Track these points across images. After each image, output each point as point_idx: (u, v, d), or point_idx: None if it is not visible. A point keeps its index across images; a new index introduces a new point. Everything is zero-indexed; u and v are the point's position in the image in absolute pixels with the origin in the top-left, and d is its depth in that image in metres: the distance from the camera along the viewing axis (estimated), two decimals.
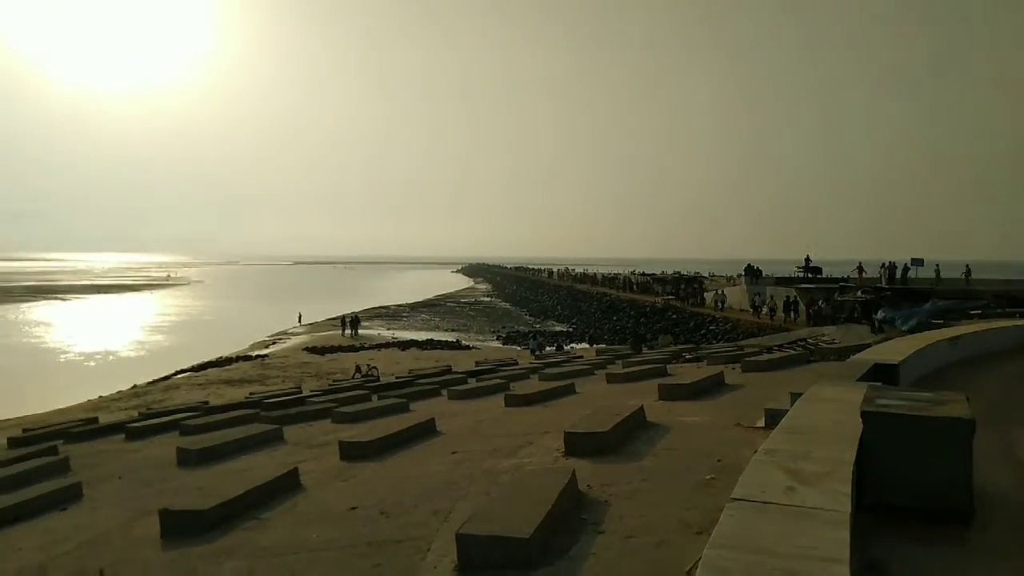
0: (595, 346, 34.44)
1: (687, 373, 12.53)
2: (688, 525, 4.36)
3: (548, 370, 15.35)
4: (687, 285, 54.92)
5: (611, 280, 74.10)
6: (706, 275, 71.55)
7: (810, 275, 43.35)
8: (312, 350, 36.90)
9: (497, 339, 41.25)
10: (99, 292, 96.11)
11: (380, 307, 70.17)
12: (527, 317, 65.88)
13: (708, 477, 5.39)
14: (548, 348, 33.44)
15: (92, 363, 37.69)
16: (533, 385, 13.17)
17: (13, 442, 11.99)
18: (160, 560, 5.10)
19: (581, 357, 21.93)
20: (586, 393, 11.55)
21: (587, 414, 7.71)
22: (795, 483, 3.23)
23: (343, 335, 43.12)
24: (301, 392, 16.77)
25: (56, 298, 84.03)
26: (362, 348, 37.41)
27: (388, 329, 51.28)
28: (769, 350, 16.22)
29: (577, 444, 6.55)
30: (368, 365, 25.62)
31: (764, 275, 44.75)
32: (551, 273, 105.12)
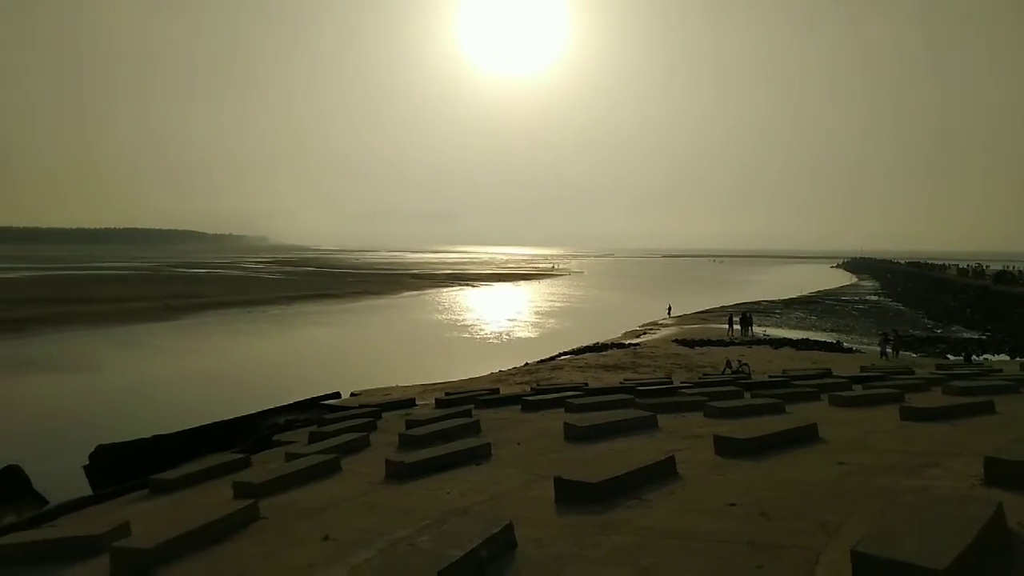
0: (1018, 359, 28.60)
1: None
2: None
3: (956, 383, 13.20)
4: None
5: None
6: None
7: None
8: (681, 342, 37.32)
9: (886, 342, 36.86)
10: (499, 280, 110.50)
11: (750, 302, 67.79)
12: (924, 320, 57.48)
13: None
14: (904, 352, 28.64)
15: (494, 340, 43.53)
16: (935, 398, 11.46)
17: (439, 403, 14.48)
18: (554, 522, 5.67)
19: (1000, 371, 18.44)
20: (1008, 414, 9.67)
21: (1013, 439, 6.47)
22: None
23: (729, 333, 41.34)
24: (672, 383, 17.10)
25: (468, 284, 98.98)
26: (732, 344, 36.62)
27: (759, 326, 49.32)
28: None
29: (1003, 472, 5.54)
30: (739, 361, 25.01)
31: None
32: (965, 270, 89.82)
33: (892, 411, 10.10)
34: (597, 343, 37.38)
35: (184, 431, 14.85)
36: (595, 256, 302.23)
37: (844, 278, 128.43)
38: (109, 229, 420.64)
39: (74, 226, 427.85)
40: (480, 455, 8.45)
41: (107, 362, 35.32)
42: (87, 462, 13.93)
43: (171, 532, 5.62)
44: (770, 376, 17.89)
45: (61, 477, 14.53)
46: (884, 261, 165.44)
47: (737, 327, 41.98)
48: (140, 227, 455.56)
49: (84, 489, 13.03)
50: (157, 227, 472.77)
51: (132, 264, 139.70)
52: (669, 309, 56.66)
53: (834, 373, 18.31)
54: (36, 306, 53.22)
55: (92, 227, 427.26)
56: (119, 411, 23.86)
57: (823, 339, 41.34)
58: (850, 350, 35.97)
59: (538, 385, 19.35)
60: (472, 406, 13.36)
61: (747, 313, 45.21)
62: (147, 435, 14.47)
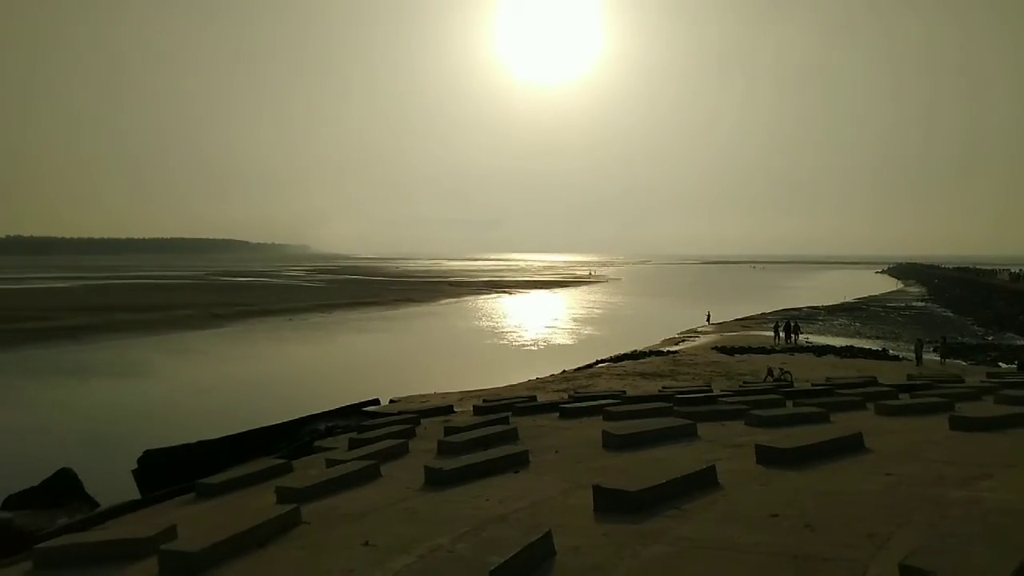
0: None
1: None
2: None
3: (1009, 391, 12.79)
4: None
5: None
6: None
7: None
8: (721, 349, 36.79)
9: (934, 351, 35.79)
10: (535, 287, 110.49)
11: (792, 309, 66.56)
12: (974, 327, 55.77)
13: None
14: (953, 360, 27.68)
15: (531, 347, 43.52)
16: (987, 408, 11.13)
17: (477, 410, 14.52)
18: (593, 530, 5.65)
19: None
20: None
21: None
22: None
23: (776, 341, 40.52)
24: (711, 390, 16.87)
25: (505, 291, 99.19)
26: (773, 351, 36.00)
27: (801, 333, 48.36)
28: None
29: None
30: (780, 369, 24.57)
31: None
32: (1018, 275, 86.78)
33: (941, 421, 9.83)
34: (635, 350, 37.08)
35: (228, 436, 15.17)
36: (632, 263, 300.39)
37: (889, 284, 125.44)
38: (157, 239, 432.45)
39: (123, 236, 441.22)
40: (518, 462, 8.45)
41: (155, 368, 36.24)
42: (136, 466, 14.32)
43: (217, 536, 5.73)
44: (813, 384, 17.54)
45: (111, 480, 14.95)
46: (931, 266, 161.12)
47: (783, 334, 41.12)
48: (186, 237, 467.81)
49: (133, 492, 13.39)
50: (203, 236, 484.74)
51: (179, 273, 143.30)
52: (708, 316, 55.96)
53: (880, 381, 17.87)
54: (89, 314, 54.91)
55: (140, 237, 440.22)
56: (166, 416, 24.45)
57: (868, 346, 40.34)
58: (896, 358, 35.04)
59: (576, 393, 19.28)
60: (510, 413, 13.37)
61: (792, 321, 44.28)
62: (193, 440, 14.82)
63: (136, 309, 59.59)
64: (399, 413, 15.83)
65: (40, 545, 6.82)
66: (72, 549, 6.45)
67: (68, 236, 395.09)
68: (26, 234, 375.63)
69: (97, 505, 13.41)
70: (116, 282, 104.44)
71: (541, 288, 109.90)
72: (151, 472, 13.95)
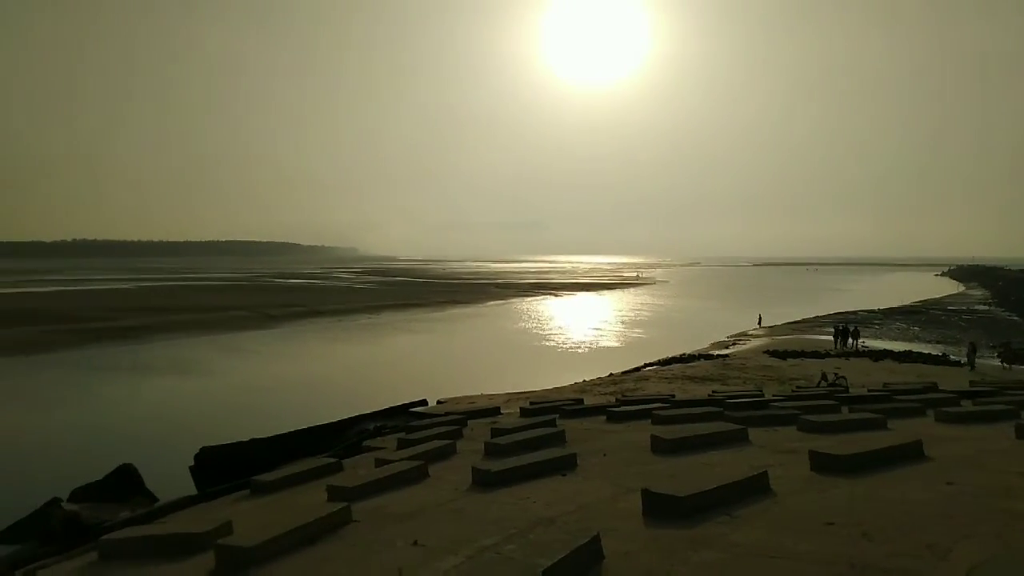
0: None
1: None
2: None
3: None
4: None
5: None
6: None
7: None
8: (773, 353, 36.02)
9: (997, 356, 34.40)
10: (582, 290, 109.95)
11: (847, 312, 64.82)
12: None
13: None
14: (1020, 366, 26.34)
15: (577, 350, 43.35)
16: None
17: (524, 412, 14.53)
18: (642, 535, 5.59)
19: None
20: None
21: None
22: None
23: (836, 346, 39.38)
24: (763, 395, 16.54)
25: (550, 294, 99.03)
26: (827, 355, 35.10)
27: (860, 338, 47.01)
28: None
29: None
30: (835, 373, 23.91)
31: None
32: None
33: (1007, 429, 9.46)
34: (684, 354, 36.60)
35: (280, 435, 15.49)
36: (681, 264, 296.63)
37: (950, 286, 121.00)
38: (212, 242, 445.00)
39: (181, 239, 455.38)
40: (566, 465, 8.43)
41: (211, 367, 37.25)
42: (192, 463, 14.75)
43: (270, 532, 5.87)
44: (870, 390, 17.05)
45: (169, 476, 15.43)
46: (994, 268, 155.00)
47: (842, 340, 39.85)
48: (240, 239, 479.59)
49: (189, 488, 13.80)
50: (256, 239, 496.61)
51: (233, 275, 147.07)
52: (759, 319, 54.87)
53: (941, 387, 17.29)
54: (148, 315, 56.81)
55: (197, 239, 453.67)
56: (221, 414, 25.12)
57: (928, 351, 38.99)
58: (958, 363, 33.78)
59: (623, 396, 19.13)
60: (557, 416, 13.34)
61: (850, 325, 42.91)
62: (246, 438, 15.18)
63: (192, 310, 61.37)
64: (446, 414, 15.94)
65: (105, 537, 7.09)
66: (134, 542, 6.68)
67: (128, 239, 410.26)
68: (90, 237, 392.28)
69: (156, 500, 13.85)
70: (173, 284, 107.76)
71: (587, 290, 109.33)
72: (207, 468, 14.35)
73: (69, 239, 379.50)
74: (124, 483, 14.42)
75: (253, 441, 14.99)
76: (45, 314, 54.68)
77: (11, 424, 24.58)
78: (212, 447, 14.80)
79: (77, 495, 13.97)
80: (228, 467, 13.65)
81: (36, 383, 32.24)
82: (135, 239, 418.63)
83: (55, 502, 13.14)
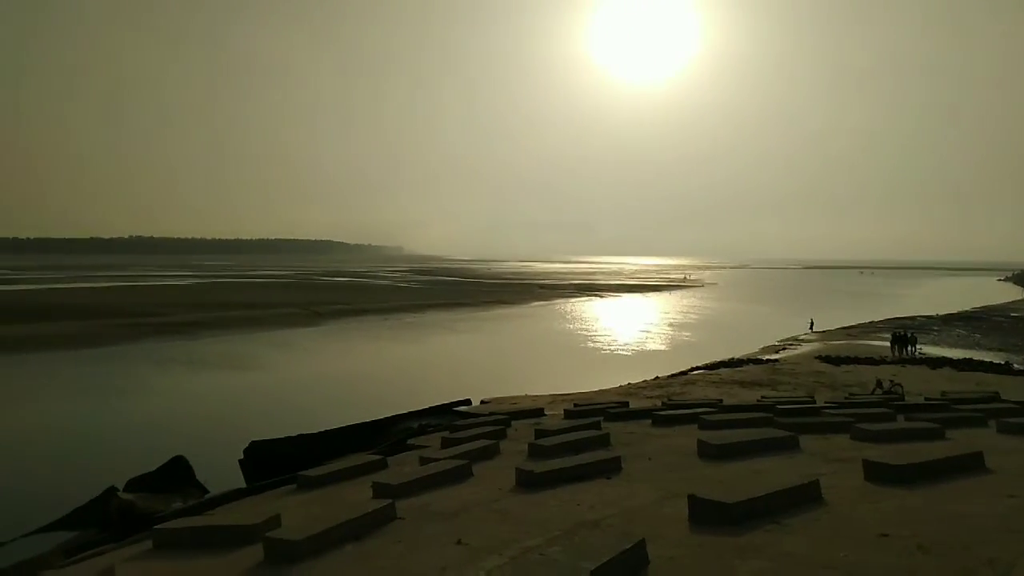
0: None
1: None
2: None
3: None
4: None
5: None
6: None
7: None
8: (825, 359, 35.16)
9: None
10: (629, 291, 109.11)
11: (903, 317, 62.89)
12: None
13: None
14: None
15: (623, 352, 43.04)
16: None
17: (568, 414, 14.48)
18: (688, 542, 5.50)
19: None
20: None
21: None
22: None
23: (893, 353, 38.20)
24: (814, 402, 16.16)
25: (595, 295, 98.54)
26: (883, 362, 34.10)
27: (918, 344, 45.55)
28: None
29: None
30: (891, 381, 23.22)
31: None
32: None
33: None
34: (732, 358, 35.98)
35: (327, 431, 15.76)
36: (729, 267, 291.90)
37: (1013, 292, 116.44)
38: (262, 240, 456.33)
39: (232, 237, 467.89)
40: (610, 468, 8.36)
41: (261, 363, 38.12)
42: (242, 456, 15.11)
43: (318, 526, 5.97)
44: (927, 398, 16.51)
45: (219, 468, 15.84)
46: None
47: (899, 348, 38.52)
48: (287, 237, 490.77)
49: (239, 480, 14.13)
50: (302, 238, 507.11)
51: (282, 272, 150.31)
52: (811, 324, 53.63)
53: (1003, 397, 16.63)
54: (201, 310, 58.44)
55: (248, 238, 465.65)
56: (270, 409, 25.69)
57: (989, 359, 37.56)
58: (1022, 372, 32.47)
59: (669, 400, 18.90)
60: (601, 418, 13.24)
61: (908, 332, 41.48)
62: (294, 433, 15.49)
63: (243, 306, 62.89)
64: (490, 414, 15.99)
65: (159, 526, 7.31)
66: (187, 532, 6.87)
67: (182, 236, 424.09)
68: (145, 235, 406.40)
69: (207, 491, 14.22)
70: (225, 281, 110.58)
71: (633, 292, 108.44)
72: (256, 462, 14.68)
73: (126, 236, 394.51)
74: (176, 474, 14.85)
75: (300, 436, 15.29)
76: (105, 309, 56.76)
77: (74, 413, 25.57)
78: (261, 441, 15.14)
79: (132, 484, 14.44)
80: (276, 461, 13.94)
81: (96, 375, 33.48)
82: (188, 236, 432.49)
83: (112, 491, 13.62)
